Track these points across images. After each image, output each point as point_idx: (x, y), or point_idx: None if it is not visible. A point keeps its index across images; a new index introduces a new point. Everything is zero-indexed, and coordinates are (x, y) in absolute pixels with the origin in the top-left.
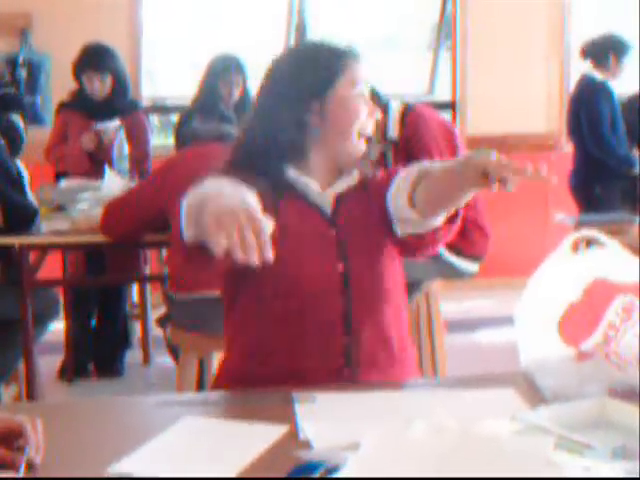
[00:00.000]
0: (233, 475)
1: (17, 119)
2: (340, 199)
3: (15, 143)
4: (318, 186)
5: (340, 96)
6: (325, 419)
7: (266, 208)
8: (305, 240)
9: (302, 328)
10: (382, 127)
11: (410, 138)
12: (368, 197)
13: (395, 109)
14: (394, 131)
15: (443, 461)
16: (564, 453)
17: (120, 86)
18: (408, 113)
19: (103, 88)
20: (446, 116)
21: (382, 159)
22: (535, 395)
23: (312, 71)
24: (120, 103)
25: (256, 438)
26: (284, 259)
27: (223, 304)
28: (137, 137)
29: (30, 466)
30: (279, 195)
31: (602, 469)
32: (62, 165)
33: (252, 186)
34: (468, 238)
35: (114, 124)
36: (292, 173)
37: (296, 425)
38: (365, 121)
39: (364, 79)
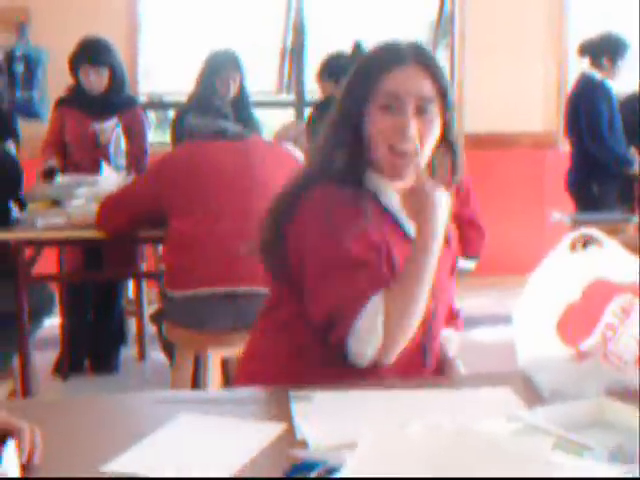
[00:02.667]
0: (229, 474)
1: (10, 149)
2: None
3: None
4: (399, 200)
5: (368, 110)
6: (322, 418)
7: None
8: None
9: None
10: None
11: None
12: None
13: None
14: None
15: (440, 461)
16: (562, 453)
17: (117, 81)
18: None
19: (100, 83)
20: None
21: None
22: (532, 394)
23: (360, 76)
24: (117, 98)
25: (253, 436)
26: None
27: (266, 302)
28: (135, 133)
29: (25, 468)
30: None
31: (600, 469)
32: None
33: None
34: (464, 237)
35: (111, 123)
36: (373, 181)
37: (293, 424)
38: (391, 134)
39: (405, 87)
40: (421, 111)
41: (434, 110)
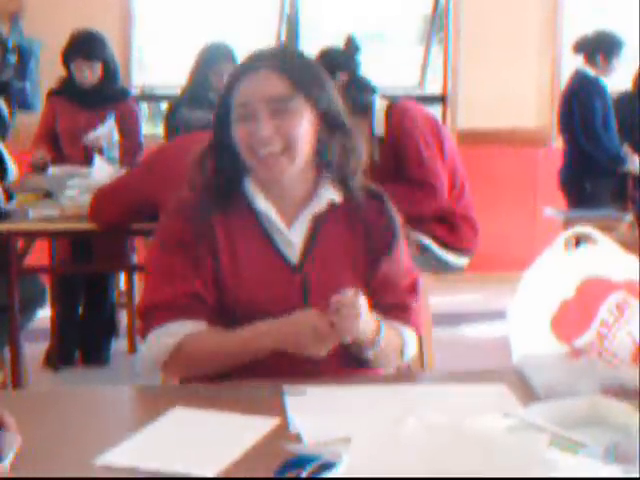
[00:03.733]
0: (222, 468)
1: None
2: (310, 233)
3: None
4: (283, 222)
5: (232, 120)
6: (315, 413)
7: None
8: (267, 284)
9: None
10: (369, 124)
11: (396, 133)
12: (351, 223)
13: (379, 105)
14: (380, 127)
15: (435, 459)
16: (557, 451)
17: (110, 74)
18: (392, 109)
19: (92, 76)
20: (437, 110)
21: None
22: (527, 392)
23: (220, 98)
24: (110, 91)
25: (246, 430)
26: (244, 294)
27: None
28: (129, 127)
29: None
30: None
31: (595, 467)
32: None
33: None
34: (457, 232)
35: (103, 130)
36: (253, 193)
37: (286, 418)
38: (250, 142)
39: (254, 93)
40: (278, 111)
41: (296, 105)
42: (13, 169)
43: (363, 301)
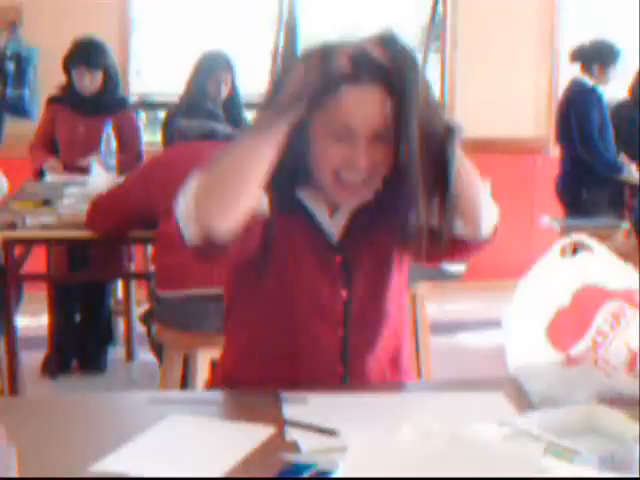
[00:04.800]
0: (219, 475)
1: None
2: (351, 220)
3: None
4: (326, 213)
5: (315, 127)
6: (313, 420)
7: (270, 224)
8: (308, 264)
9: (297, 348)
10: None
11: None
12: (383, 209)
13: None
14: None
15: (431, 466)
16: (553, 459)
17: (111, 82)
18: None
19: (94, 84)
20: None
21: None
22: (523, 400)
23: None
24: (110, 100)
25: (243, 438)
26: (285, 278)
27: (224, 303)
28: (128, 137)
29: None
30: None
31: (590, 475)
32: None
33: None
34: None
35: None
36: (302, 195)
37: (284, 426)
38: (339, 163)
39: (359, 116)
40: (376, 140)
41: (391, 136)
42: (4, 185)
43: None
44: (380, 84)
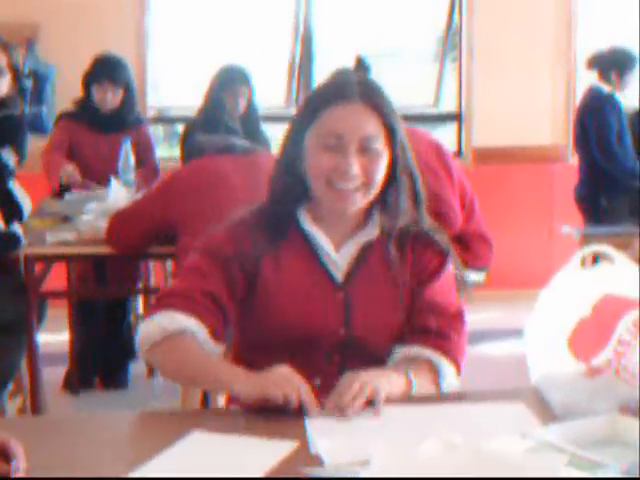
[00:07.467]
0: None
1: (7, 154)
2: (357, 257)
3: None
4: (331, 246)
5: (308, 142)
6: (337, 434)
7: (269, 251)
8: (310, 299)
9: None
10: None
11: None
12: (399, 249)
13: None
14: None
15: (454, 479)
16: (576, 471)
17: (130, 100)
18: None
19: (115, 100)
20: (452, 128)
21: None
22: (545, 410)
23: (305, 107)
24: (128, 116)
25: (266, 453)
26: (285, 310)
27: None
28: (146, 154)
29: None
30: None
31: None
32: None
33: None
34: (472, 251)
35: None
36: (305, 221)
37: (307, 440)
38: (331, 173)
39: (348, 126)
40: (364, 149)
41: (380, 146)
42: (28, 206)
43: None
44: (366, 102)
